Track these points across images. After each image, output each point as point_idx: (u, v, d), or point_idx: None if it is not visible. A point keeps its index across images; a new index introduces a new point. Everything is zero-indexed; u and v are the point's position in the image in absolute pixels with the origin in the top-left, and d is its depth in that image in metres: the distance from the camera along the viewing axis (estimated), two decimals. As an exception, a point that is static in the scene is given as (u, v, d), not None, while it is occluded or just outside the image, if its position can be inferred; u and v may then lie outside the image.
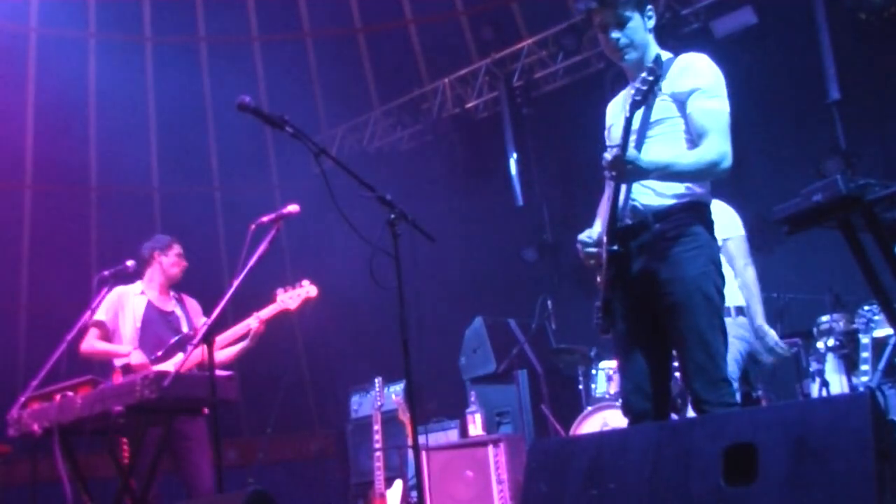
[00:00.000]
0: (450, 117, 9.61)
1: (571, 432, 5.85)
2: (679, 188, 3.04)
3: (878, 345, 4.72)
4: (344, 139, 10.58)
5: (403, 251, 3.60)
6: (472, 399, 6.80)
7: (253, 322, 4.57)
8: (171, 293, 5.03)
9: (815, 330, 5.35)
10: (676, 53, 3.20)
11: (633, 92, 3.00)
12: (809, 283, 5.88)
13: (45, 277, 9.58)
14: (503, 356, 6.83)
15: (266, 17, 10.49)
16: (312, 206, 4.73)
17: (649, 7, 3.18)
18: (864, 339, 4.74)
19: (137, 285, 4.93)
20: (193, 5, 10.23)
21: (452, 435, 7.09)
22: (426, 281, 8.82)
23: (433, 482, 6.20)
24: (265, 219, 3.98)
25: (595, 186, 3.33)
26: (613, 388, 5.92)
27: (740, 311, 4.68)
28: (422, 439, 5.13)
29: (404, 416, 6.82)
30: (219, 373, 3.69)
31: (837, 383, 5.07)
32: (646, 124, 3.07)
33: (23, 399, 3.97)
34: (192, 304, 5.08)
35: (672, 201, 3.03)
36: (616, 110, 3.31)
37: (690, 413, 3.44)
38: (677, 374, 3.28)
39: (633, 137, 3.00)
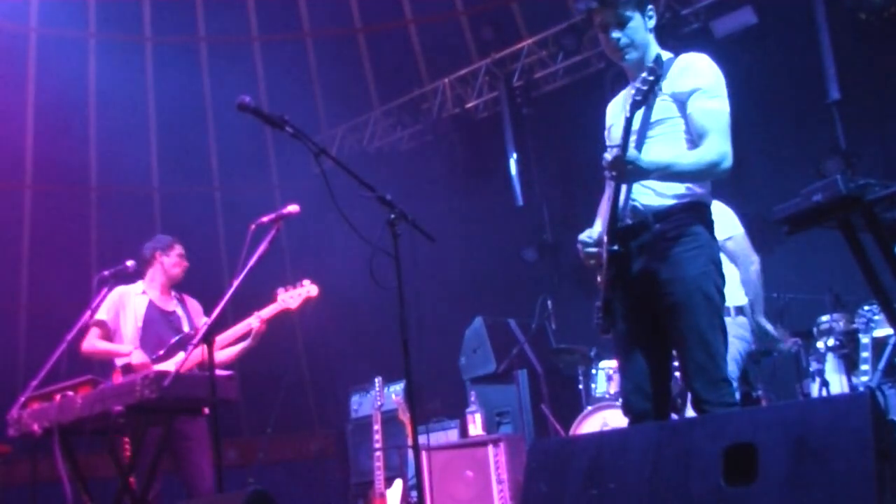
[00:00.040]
0: (450, 117, 9.60)
1: (571, 432, 5.85)
2: (679, 188, 3.04)
3: (878, 345, 4.72)
4: (344, 139, 10.58)
5: (403, 251, 3.60)
6: (472, 399, 6.80)
7: (254, 321, 4.57)
8: (173, 293, 5.03)
9: (815, 330, 5.36)
10: (676, 53, 3.20)
11: (633, 92, 3.00)
12: (809, 283, 5.88)
13: (45, 277, 9.58)
14: (503, 356, 6.83)
15: (266, 17, 10.49)
16: (312, 206, 4.74)
17: (650, 7, 3.18)
18: (864, 339, 4.74)
19: (139, 285, 4.93)
20: (193, 5, 10.23)
21: (452, 435, 7.09)
22: (426, 281, 8.81)
23: (433, 482, 6.20)
24: (265, 219, 3.98)
25: (595, 186, 3.33)
26: (613, 388, 5.92)
27: (740, 310, 4.69)
28: (422, 439, 5.13)
29: (404, 416, 6.82)
30: (219, 372, 3.69)
31: (837, 383, 5.07)
32: (646, 124, 3.07)
33: (23, 399, 3.97)
34: (194, 304, 5.08)
35: (672, 201, 3.03)
36: (616, 110, 3.31)
37: (690, 413, 3.44)
38: (677, 374, 3.28)
39: (633, 137, 3.00)
